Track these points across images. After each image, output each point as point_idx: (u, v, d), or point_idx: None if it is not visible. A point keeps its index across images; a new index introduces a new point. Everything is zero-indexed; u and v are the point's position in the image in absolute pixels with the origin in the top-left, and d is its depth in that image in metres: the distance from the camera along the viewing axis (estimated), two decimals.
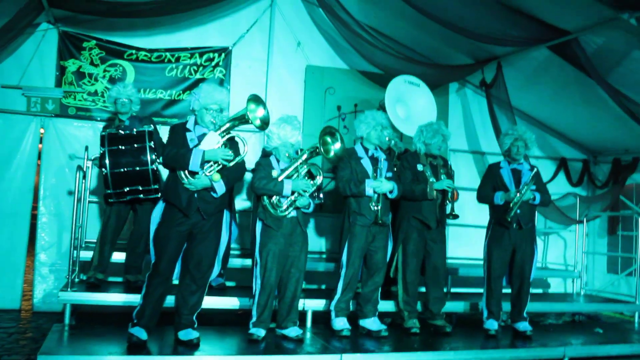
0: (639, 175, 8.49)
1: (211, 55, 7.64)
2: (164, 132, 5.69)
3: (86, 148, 6.30)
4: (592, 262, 8.99)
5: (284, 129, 5.27)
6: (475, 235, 6.95)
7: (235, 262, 6.62)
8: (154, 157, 5.58)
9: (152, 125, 5.91)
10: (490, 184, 6.11)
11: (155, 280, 4.77)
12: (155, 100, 7.43)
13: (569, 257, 8.82)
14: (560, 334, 6.51)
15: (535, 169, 6.05)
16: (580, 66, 6.45)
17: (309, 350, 5.06)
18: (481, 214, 6.57)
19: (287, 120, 5.37)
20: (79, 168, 5.74)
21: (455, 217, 5.89)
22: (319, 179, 5.33)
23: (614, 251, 8.75)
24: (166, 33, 7.55)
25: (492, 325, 5.97)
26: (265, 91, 7.71)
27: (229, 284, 6.81)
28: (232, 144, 4.89)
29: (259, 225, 5.28)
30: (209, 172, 4.73)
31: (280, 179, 5.17)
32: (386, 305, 6.10)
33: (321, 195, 6.16)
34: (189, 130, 4.88)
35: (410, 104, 7.19)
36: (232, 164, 4.79)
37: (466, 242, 7.61)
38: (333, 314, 5.67)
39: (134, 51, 7.39)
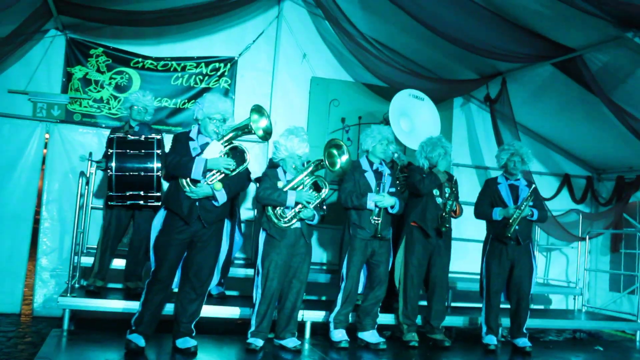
0: None
1: (217, 65, 7.69)
2: (167, 141, 5.71)
3: (90, 154, 6.33)
4: (594, 279, 8.95)
5: (291, 141, 5.29)
6: (473, 250, 6.93)
7: (239, 272, 6.62)
8: (160, 164, 5.60)
9: (160, 134, 5.93)
10: (487, 200, 6.10)
11: (155, 288, 4.78)
12: (160, 108, 7.47)
13: (571, 274, 8.79)
14: (560, 351, 6.48)
15: (533, 185, 6.04)
16: (584, 83, 6.47)
17: None
18: (479, 229, 6.56)
19: (294, 131, 5.39)
20: (82, 174, 5.76)
21: (447, 227, 5.85)
22: (324, 192, 5.34)
23: (616, 269, 8.71)
24: (173, 42, 7.61)
25: (491, 340, 5.95)
26: (270, 102, 7.75)
27: (232, 293, 6.82)
28: (234, 153, 4.92)
29: (262, 235, 5.29)
30: (211, 181, 4.75)
31: (284, 190, 5.18)
32: (386, 318, 6.09)
33: (324, 207, 6.16)
34: (192, 139, 4.91)
35: (414, 117, 7.21)
36: (234, 173, 4.81)
37: (464, 256, 7.58)
38: (332, 326, 5.66)
39: (140, 59, 7.44)
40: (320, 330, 6.02)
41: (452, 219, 6.10)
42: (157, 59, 7.49)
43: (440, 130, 7.10)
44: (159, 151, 5.55)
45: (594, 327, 7.61)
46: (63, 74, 7.24)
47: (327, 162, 5.31)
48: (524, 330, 6.05)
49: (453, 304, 7.15)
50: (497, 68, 7.55)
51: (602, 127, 7.52)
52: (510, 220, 5.83)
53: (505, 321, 6.16)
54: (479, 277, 6.21)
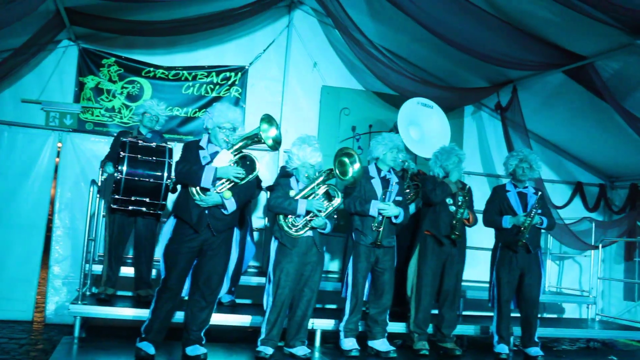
0: None
1: (228, 74, 7.73)
2: (179, 149, 5.74)
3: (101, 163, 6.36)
4: (608, 288, 8.87)
5: (304, 150, 5.30)
6: (483, 258, 6.88)
7: (252, 281, 6.63)
8: (168, 174, 5.61)
9: (171, 145, 5.97)
10: (496, 208, 6.07)
11: (165, 295, 4.80)
12: (172, 117, 7.52)
13: (584, 283, 8.71)
14: None
15: (540, 193, 6.01)
16: (596, 91, 6.43)
17: None
18: (488, 237, 6.52)
19: (306, 140, 5.39)
20: (93, 182, 5.80)
21: (457, 235, 5.83)
22: (336, 201, 5.33)
23: (630, 277, 8.63)
24: (184, 51, 7.66)
25: (502, 349, 5.90)
26: (280, 111, 7.78)
27: (244, 301, 6.82)
28: (244, 162, 4.94)
29: (274, 244, 5.31)
30: (220, 190, 4.77)
31: (296, 198, 5.19)
32: (397, 327, 6.06)
33: (335, 216, 6.16)
34: (202, 148, 4.93)
35: (423, 125, 7.20)
36: (243, 182, 4.83)
37: (473, 264, 7.53)
38: (342, 334, 5.64)
39: (151, 69, 7.51)
40: (331, 339, 6.01)
41: (467, 228, 6.06)
42: (169, 69, 7.55)
43: (450, 138, 7.09)
44: (170, 160, 5.58)
45: (608, 336, 7.52)
46: (75, 83, 7.32)
47: (337, 171, 5.30)
48: (536, 339, 5.99)
49: (464, 313, 7.11)
50: (508, 76, 7.53)
51: (614, 134, 7.47)
52: (522, 228, 5.80)
53: (517, 330, 6.10)
54: (483, 285, 6.17)
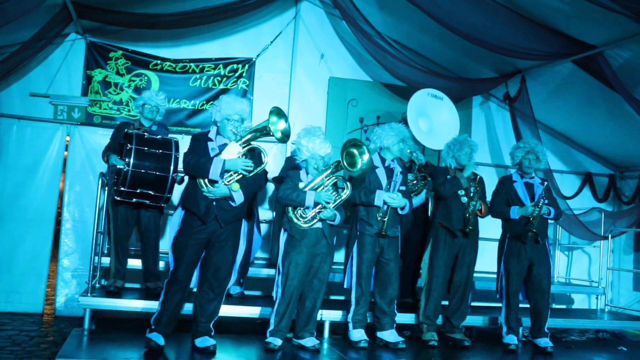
0: None
1: (235, 66, 7.73)
2: (187, 141, 5.74)
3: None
4: (617, 278, 8.84)
5: (313, 142, 5.28)
6: (490, 248, 6.86)
7: (261, 272, 6.64)
8: (175, 167, 5.62)
9: (178, 137, 5.96)
10: (503, 199, 6.03)
11: (174, 287, 4.81)
12: (179, 109, 7.53)
13: (593, 273, 8.69)
14: (582, 351, 6.40)
15: (546, 183, 5.98)
16: (605, 80, 6.38)
17: None
18: (493, 227, 6.51)
19: (312, 131, 5.37)
20: (102, 175, 5.81)
21: (471, 229, 5.80)
22: (345, 192, 5.32)
23: None
24: (191, 44, 7.67)
25: (512, 340, 5.88)
26: (288, 102, 7.77)
27: (254, 293, 6.83)
28: (252, 154, 4.94)
29: (283, 235, 5.30)
30: (229, 182, 4.77)
31: (304, 190, 5.18)
32: (406, 318, 6.06)
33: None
34: (210, 140, 4.93)
35: (433, 117, 7.17)
36: (252, 174, 4.83)
37: (479, 255, 7.49)
38: (350, 325, 5.64)
39: (159, 61, 7.51)
40: (339, 330, 6.01)
41: (479, 218, 6.04)
42: (176, 61, 7.55)
43: (459, 129, 7.07)
44: (177, 153, 5.58)
45: (617, 327, 7.50)
46: (83, 76, 7.34)
47: (345, 163, 5.25)
48: (545, 330, 5.97)
49: (472, 304, 7.09)
50: (517, 66, 7.49)
51: (624, 124, 7.43)
52: (531, 219, 5.77)
53: (526, 321, 6.09)
54: (490, 275, 6.15)
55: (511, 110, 7.90)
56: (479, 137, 8.42)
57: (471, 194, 5.82)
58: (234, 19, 7.52)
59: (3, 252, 7.01)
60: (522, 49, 6.43)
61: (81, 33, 7.27)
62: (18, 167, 7.11)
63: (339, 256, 7.74)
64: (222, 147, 4.85)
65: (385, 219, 5.48)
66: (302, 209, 5.20)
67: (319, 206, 5.20)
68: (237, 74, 7.72)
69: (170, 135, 5.98)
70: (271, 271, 6.51)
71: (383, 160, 5.74)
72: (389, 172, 5.67)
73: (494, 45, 6.52)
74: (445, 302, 6.04)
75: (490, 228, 6.72)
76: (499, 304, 6.13)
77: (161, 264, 6.19)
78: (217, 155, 4.79)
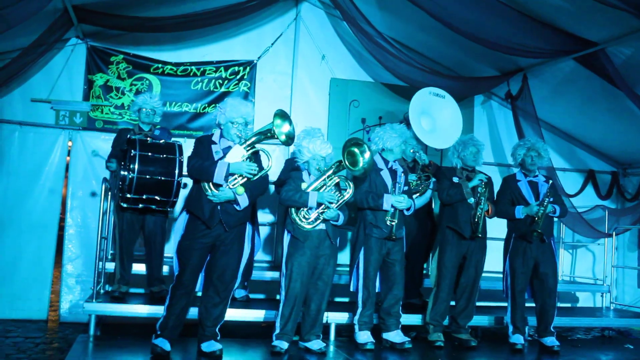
0: None
1: (236, 68, 7.71)
2: (189, 145, 5.73)
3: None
4: (621, 276, 8.82)
5: (314, 143, 5.27)
6: (494, 248, 6.84)
7: (265, 275, 6.63)
8: (180, 171, 5.60)
9: (181, 141, 5.95)
10: (508, 198, 6.01)
11: (179, 292, 4.79)
12: (181, 113, 7.52)
13: (597, 271, 8.67)
14: (589, 349, 6.38)
15: (550, 181, 5.95)
16: (607, 77, 6.36)
17: None
18: (499, 227, 6.48)
19: (312, 133, 5.36)
20: (105, 180, 5.80)
21: (479, 237, 5.76)
22: (348, 192, 5.30)
23: None
24: (192, 47, 7.66)
25: (518, 339, 5.87)
26: (289, 104, 7.76)
27: (258, 296, 6.82)
28: (256, 157, 4.92)
29: (286, 237, 5.28)
30: (233, 185, 4.75)
31: (307, 191, 5.17)
32: (411, 319, 6.05)
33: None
34: (214, 143, 4.91)
35: (435, 116, 7.14)
36: (256, 177, 4.81)
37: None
38: (357, 328, 5.62)
39: (160, 65, 7.50)
40: (345, 332, 6.00)
41: (487, 219, 6.02)
42: (177, 64, 7.54)
43: (462, 127, 7.06)
44: (181, 158, 5.56)
45: (623, 324, 7.49)
46: (84, 81, 7.33)
47: (347, 162, 5.24)
48: (552, 329, 5.96)
49: (478, 304, 7.07)
50: (518, 64, 7.48)
51: (626, 121, 7.41)
52: (536, 218, 5.75)
53: (532, 320, 6.08)
54: (495, 275, 6.14)
55: (513, 108, 7.88)
56: (481, 136, 8.34)
57: (478, 197, 5.78)
58: (234, 22, 7.51)
59: (6, 259, 7.00)
60: (523, 47, 6.42)
61: (82, 38, 7.26)
62: (20, 173, 7.10)
63: (344, 258, 7.76)
64: (226, 150, 4.82)
65: (395, 222, 5.48)
66: (305, 210, 5.18)
67: (322, 207, 5.18)
68: (238, 77, 7.71)
69: (172, 139, 5.96)
70: (275, 274, 6.51)
71: (386, 161, 5.73)
72: (392, 173, 5.66)
73: (495, 43, 6.51)
74: (452, 303, 6.03)
75: (495, 228, 6.69)
76: (505, 304, 6.12)
77: (165, 269, 6.18)
78: (221, 158, 4.77)
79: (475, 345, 5.85)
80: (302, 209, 5.18)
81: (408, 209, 5.61)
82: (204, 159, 4.78)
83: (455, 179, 5.88)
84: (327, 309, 5.51)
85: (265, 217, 7.49)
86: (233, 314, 5.55)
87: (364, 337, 5.57)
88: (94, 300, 5.57)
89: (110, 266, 6.17)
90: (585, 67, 6.61)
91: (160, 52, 7.56)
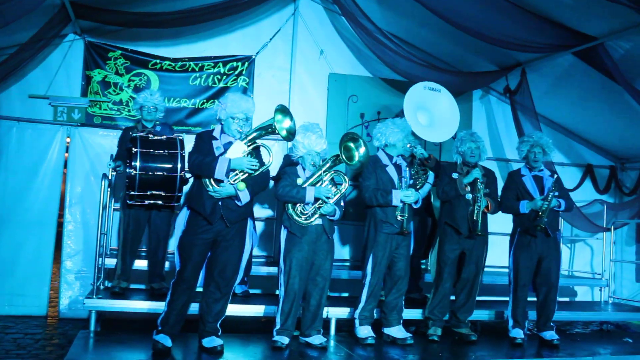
0: None
1: (234, 64, 7.69)
2: (188, 141, 5.73)
3: (111, 156, 6.37)
4: (620, 270, 8.84)
5: (308, 138, 5.27)
6: (498, 243, 6.85)
7: (261, 270, 6.63)
8: (182, 165, 5.60)
9: (181, 135, 5.95)
10: (513, 193, 6.01)
11: (180, 288, 4.79)
12: (179, 109, 7.50)
13: (596, 265, 8.70)
14: (588, 343, 6.41)
15: (556, 175, 5.96)
16: (606, 72, 6.36)
17: (333, 359, 5.04)
18: (503, 222, 6.49)
19: (309, 128, 5.36)
20: (104, 176, 5.79)
21: (479, 235, 5.76)
22: (344, 186, 5.30)
23: None
24: (190, 42, 7.62)
25: (518, 333, 5.89)
26: (288, 99, 7.74)
27: (255, 291, 6.82)
28: (257, 153, 4.92)
29: (283, 233, 5.29)
30: (234, 181, 4.74)
31: (303, 186, 5.17)
32: (411, 314, 6.06)
33: (342, 203, 6.13)
34: (215, 139, 4.90)
35: (432, 110, 7.13)
36: (257, 173, 4.80)
37: (489, 249, 7.49)
38: (357, 322, 5.64)
39: (158, 61, 7.47)
40: (345, 327, 6.01)
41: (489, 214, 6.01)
42: (175, 60, 7.51)
43: (459, 121, 7.06)
44: (183, 152, 5.56)
45: (622, 318, 7.52)
46: (82, 77, 7.29)
47: (343, 157, 5.24)
48: (551, 323, 5.98)
49: (478, 298, 7.09)
50: (517, 59, 7.47)
51: (625, 115, 7.43)
52: (540, 213, 5.75)
53: (532, 314, 6.09)
54: (503, 270, 6.16)
55: (512, 103, 7.88)
56: (479, 130, 8.21)
57: (476, 195, 5.76)
58: (232, 17, 7.48)
59: (5, 255, 6.98)
60: (522, 41, 6.42)
61: (79, 33, 7.22)
62: (19, 170, 7.07)
63: (344, 253, 7.78)
64: (227, 145, 4.81)
65: (405, 216, 5.49)
66: (302, 205, 5.18)
67: (319, 202, 5.18)
68: (236, 72, 7.69)
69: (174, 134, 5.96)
70: (271, 269, 6.54)
71: (390, 157, 5.73)
72: (397, 168, 5.66)
73: (494, 38, 6.50)
74: (452, 297, 6.05)
75: (499, 223, 6.71)
76: (505, 298, 6.13)
77: (165, 265, 6.17)
78: (222, 154, 4.76)
79: (475, 340, 5.87)
80: (298, 204, 5.18)
81: (416, 202, 5.62)
82: (204, 154, 4.78)
83: (455, 175, 5.88)
84: (327, 304, 5.52)
85: (260, 212, 7.48)
86: (233, 309, 5.55)
87: (365, 331, 5.58)
88: (94, 296, 5.57)
89: (110, 262, 6.17)
90: (584, 62, 6.60)
91: (159, 48, 7.53)
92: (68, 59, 7.23)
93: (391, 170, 5.66)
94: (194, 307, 5.05)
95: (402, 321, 5.74)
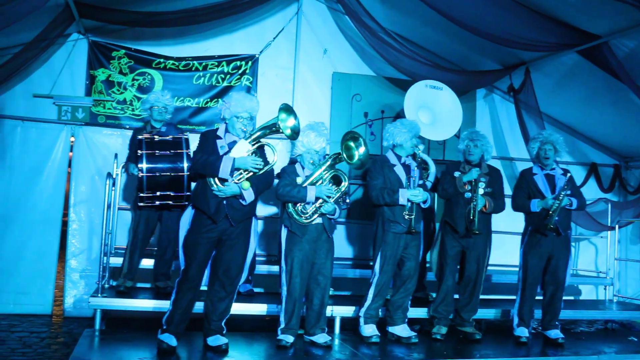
0: None
1: (238, 63, 7.70)
2: (192, 140, 5.73)
3: (115, 155, 6.38)
4: (624, 269, 8.82)
5: (308, 136, 5.27)
6: (508, 242, 6.84)
7: (262, 269, 6.64)
8: (189, 164, 5.62)
9: (187, 134, 5.95)
10: (524, 192, 5.99)
11: (185, 286, 4.79)
12: (183, 108, 7.50)
13: (600, 264, 8.68)
14: (592, 342, 6.40)
15: (568, 174, 5.92)
16: (610, 70, 6.35)
17: (338, 357, 5.04)
18: (513, 220, 6.48)
19: (315, 127, 5.36)
20: (109, 175, 5.80)
21: (476, 233, 5.73)
22: (344, 185, 5.31)
23: None
24: (194, 42, 7.63)
25: (522, 332, 5.89)
26: (292, 98, 7.74)
27: (257, 290, 6.82)
28: (261, 152, 4.92)
29: (284, 232, 5.29)
30: (239, 180, 4.75)
31: (304, 185, 5.17)
32: (416, 312, 6.06)
33: (347, 201, 6.13)
34: (219, 138, 4.90)
35: (435, 108, 7.14)
36: (261, 172, 4.81)
37: (498, 248, 7.45)
38: (362, 321, 5.64)
39: (162, 60, 7.48)
40: (349, 326, 6.01)
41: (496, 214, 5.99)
42: (179, 59, 7.52)
43: (462, 117, 7.07)
44: (188, 151, 5.58)
45: (626, 317, 7.51)
46: (86, 76, 7.30)
47: (344, 155, 5.25)
48: (556, 322, 5.97)
49: (484, 297, 7.08)
50: (521, 58, 7.47)
51: (629, 114, 7.42)
52: (550, 212, 5.72)
53: (537, 313, 6.08)
54: (509, 269, 6.15)
55: (515, 102, 7.88)
56: (483, 129, 8.21)
57: (473, 194, 5.73)
58: (236, 16, 7.48)
59: (10, 254, 6.99)
60: (526, 40, 6.41)
61: (83, 33, 7.23)
62: (23, 169, 7.09)
63: (349, 252, 7.78)
64: (232, 144, 4.82)
65: (413, 216, 5.48)
66: (302, 204, 5.18)
67: (320, 201, 5.18)
68: (240, 71, 7.69)
69: (180, 134, 5.95)
70: (271, 267, 6.57)
71: (399, 157, 5.73)
72: (406, 168, 5.66)
73: (498, 37, 6.50)
74: (457, 296, 6.04)
75: (507, 221, 6.69)
76: (511, 297, 6.12)
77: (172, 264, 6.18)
78: (226, 153, 4.77)
79: (480, 339, 5.86)
80: (299, 203, 5.18)
81: (425, 202, 5.62)
82: (209, 153, 4.78)
83: (457, 174, 5.88)
84: (331, 302, 5.52)
85: (265, 210, 7.47)
86: (237, 308, 5.55)
87: (369, 330, 5.59)
88: (99, 295, 5.58)
89: (115, 261, 6.17)
90: (588, 61, 6.59)
91: (162, 47, 7.53)
92: (72, 58, 7.25)
93: (399, 170, 5.65)
94: (199, 306, 5.06)
95: (407, 320, 5.74)
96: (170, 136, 5.73)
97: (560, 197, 5.72)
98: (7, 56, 6.56)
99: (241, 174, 4.75)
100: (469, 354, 5.43)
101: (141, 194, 5.57)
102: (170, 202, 5.70)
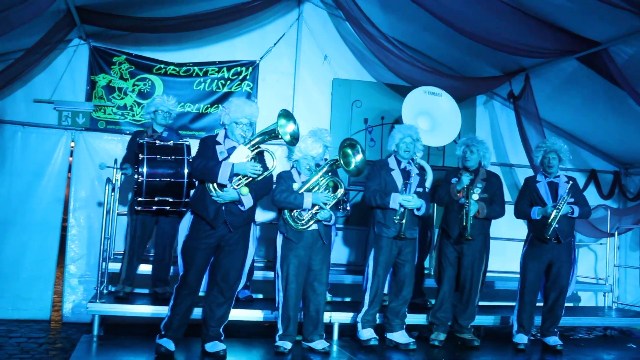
0: None
1: (239, 69, 7.71)
2: (192, 146, 5.74)
3: (115, 161, 6.39)
4: (624, 275, 8.81)
5: (304, 142, 5.27)
6: (509, 248, 6.83)
7: (258, 275, 6.64)
8: (189, 171, 5.62)
9: (188, 140, 5.96)
10: (527, 199, 5.99)
11: (183, 292, 4.80)
12: (184, 113, 7.51)
13: (599, 271, 8.67)
14: (591, 349, 6.39)
15: (571, 182, 5.92)
16: (610, 77, 6.35)
17: None
18: (515, 226, 6.47)
19: (313, 133, 5.36)
20: (108, 180, 5.81)
21: (469, 239, 5.70)
22: (340, 191, 5.30)
23: None
24: (194, 47, 7.65)
25: (521, 339, 5.88)
26: (292, 104, 7.75)
27: (256, 296, 6.82)
28: (260, 157, 4.93)
29: (279, 239, 5.28)
30: (237, 185, 4.76)
31: (300, 192, 5.17)
32: (415, 319, 6.05)
33: (348, 207, 6.12)
34: (219, 143, 4.92)
35: (433, 114, 7.15)
36: (260, 177, 4.81)
37: (500, 254, 7.44)
38: (360, 325, 5.64)
39: (162, 65, 7.50)
40: (348, 332, 6.01)
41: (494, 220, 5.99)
42: (179, 65, 7.53)
43: (462, 123, 7.08)
44: (189, 157, 5.58)
45: (626, 324, 7.50)
46: (87, 82, 7.32)
47: (342, 162, 5.25)
48: (555, 329, 5.97)
49: (482, 303, 7.08)
50: (521, 64, 7.47)
51: (628, 120, 7.42)
52: (549, 220, 5.72)
53: (537, 320, 6.07)
54: (509, 275, 6.15)
55: (515, 108, 7.89)
56: (483, 136, 8.27)
57: (466, 200, 5.72)
58: (237, 22, 7.49)
59: (9, 259, 6.99)
60: (526, 47, 6.41)
61: (84, 38, 7.25)
62: (23, 174, 7.09)
63: (347, 257, 7.78)
64: (231, 150, 4.83)
65: (403, 221, 5.47)
66: (298, 211, 5.18)
67: (316, 207, 5.18)
68: (241, 77, 7.71)
69: (181, 140, 5.97)
70: (268, 273, 6.56)
71: (399, 162, 5.73)
72: (405, 174, 5.65)
73: (498, 43, 6.50)
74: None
75: (508, 228, 6.68)
76: (511, 303, 6.11)
77: (170, 269, 6.18)
78: (225, 158, 4.78)
79: (478, 345, 5.85)
80: (295, 210, 5.17)
81: (419, 209, 5.60)
82: (208, 159, 4.79)
83: (454, 180, 5.89)
84: (330, 308, 5.51)
85: (263, 215, 7.44)
86: (235, 314, 5.55)
87: (367, 334, 5.59)
88: (97, 300, 5.58)
89: (114, 266, 6.17)
90: (587, 67, 6.60)
91: (163, 53, 7.55)
92: (73, 63, 7.26)
93: (396, 175, 5.65)
94: (197, 312, 5.06)
95: (405, 326, 5.73)
96: (172, 142, 5.73)
97: (559, 206, 5.72)
98: (8, 61, 6.57)
99: (240, 179, 4.76)
100: None
101: (139, 199, 5.56)
102: (168, 208, 5.70)
